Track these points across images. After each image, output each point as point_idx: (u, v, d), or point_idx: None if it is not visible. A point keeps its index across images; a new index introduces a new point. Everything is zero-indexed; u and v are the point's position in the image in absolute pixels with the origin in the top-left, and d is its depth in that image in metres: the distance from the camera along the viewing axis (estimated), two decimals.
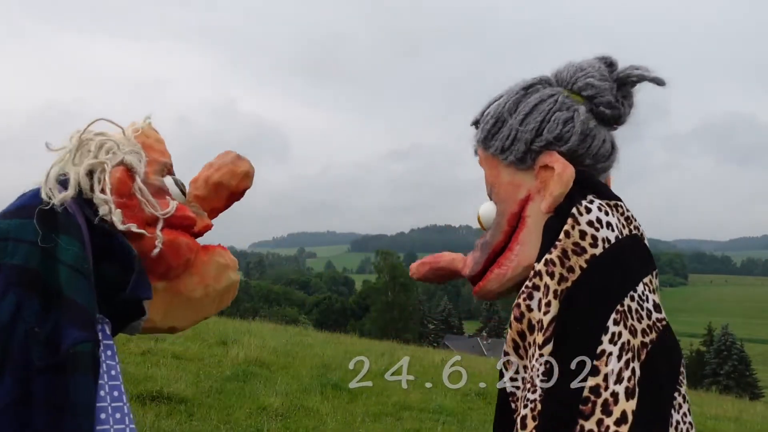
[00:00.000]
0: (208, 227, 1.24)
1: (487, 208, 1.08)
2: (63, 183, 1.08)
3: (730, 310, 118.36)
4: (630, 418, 0.84)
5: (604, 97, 1.03)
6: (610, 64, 1.06)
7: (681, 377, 0.94)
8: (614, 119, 1.06)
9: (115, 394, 1.06)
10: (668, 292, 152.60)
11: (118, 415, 1.06)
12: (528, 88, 1.07)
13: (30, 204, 1.04)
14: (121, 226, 1.06)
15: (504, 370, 1.00)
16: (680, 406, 0.92)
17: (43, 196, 1.04)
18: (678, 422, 0.90)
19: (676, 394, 0.91)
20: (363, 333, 33.68)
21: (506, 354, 0.99)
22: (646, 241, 1.01)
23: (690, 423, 0.92)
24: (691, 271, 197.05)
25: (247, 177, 1.31)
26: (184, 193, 1.23)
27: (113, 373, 1.07)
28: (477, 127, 1.12)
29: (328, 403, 6.06)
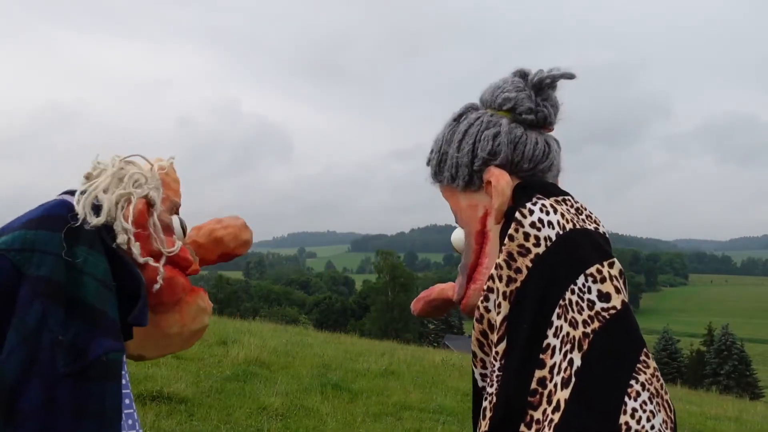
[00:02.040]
0: (196, 272, 1.31)
1: (458, 234, 1.18)
2: (94, 207, 1.13)
3: (730, 310, 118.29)
4: (562, 405, 0.90)
5: (523, 105, 1.12)
6: (523, 75, 1.15)
7: (641, 365, 0.95)
8: (541, 122, 1.14)
9: (127, 401, 1.12)
10: (668, 292, 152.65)
11: (130, 422, 1.13)
12: (458, 118, 1.17)
13: (53, 215, 1.09)
14: (140, 259, 1.13)
15: (473, 366, 1.09)
16: (638, 394, 0.92)
17: (80, 214, 1.09)
18: (635, 410, 0.91)
19: (633, 382, 0.93)
20: (363, 333, 33.70)
21: (473, 353, 1.07)
22: (600, 229, 1.07)
23: (651, 411, 0.92)
24: (692, 271, 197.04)
25: (246, 245, 1.41)
26: (185, 233, 1.30)
27: (123, 381, 1.12)
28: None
29: (328, 403, 6.06)
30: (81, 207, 1.09)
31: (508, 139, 1.10)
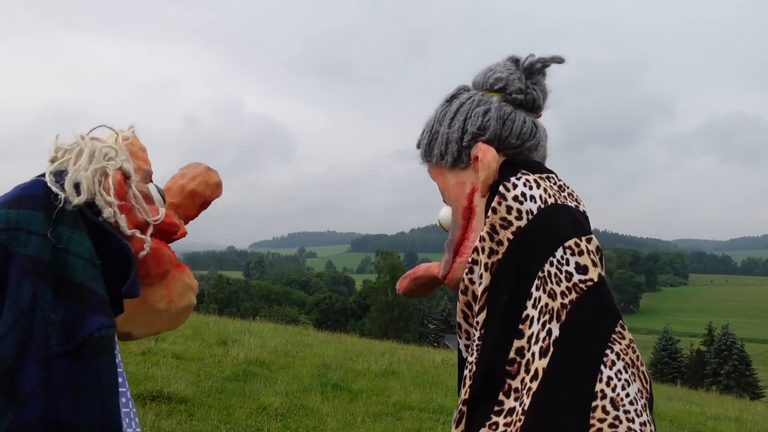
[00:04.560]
0: (184, 234, 1.30)
1: (445, 212, 1.20)
2: (74, 186, 1.12)
3: (730, 309, 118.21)
4: (540, 374, 0.93)
5: (514, 85, 1.16)
6: (515, 60, 1.19)
7: (616, 336, 0.97)
8: (530, 104, 1.17)
9: (120, 380, 1.12)
10: (668, 292, 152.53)
11: (123, 400, 1.13)
12: (450, 99, 1.20)
13: (32, 194, 1.07)
14: (128, 232, 1.12)
15: (458, 338, 1.10)
16: (614, 363, 0.94)
17: (61, 194, 1.07)
18: (610, 378, 0.93)
19: (608, 351, 0.95)
20: (363, 333, 33.70)
21: (458, 324, 1.09)
22: (581, 207, 1.10)
23: (626, 380, 0.95)
24: (692, 271, 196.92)
25: (219, 187, 1.39)
26: (164, 199, 1.28)
27: (117, 360, 1.12)
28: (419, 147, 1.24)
29: (328, 403, 6.06)
30: (67, 187, 1.08)
31: (497, 115, 1.13)
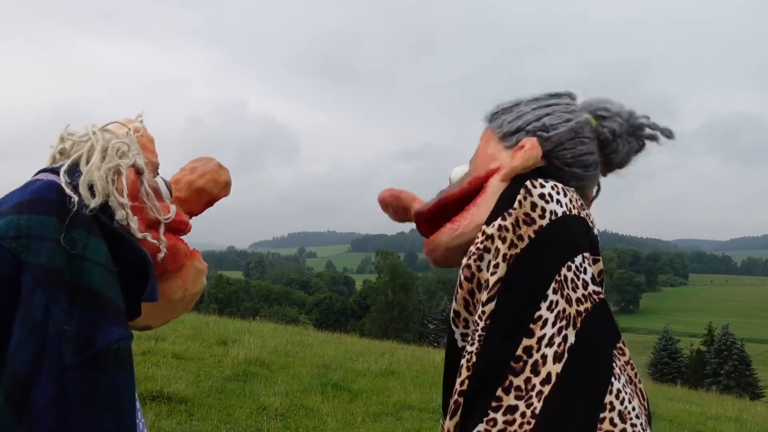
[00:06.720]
0: (189, 230, 1.27)
1: (460, 170, 1.19)
2: (89, 188, 1.08)
3: (730, 309, 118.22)
4: (554, 379, 0.92)
5: (613, 123, 1.14)
6: (631, 112, 1.17)
7: (618, 352, 0.99)
8: (610, 148, 1.16)
9: None
10: (668, 291, 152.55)
11: None
12: (551, 95, 1.19)
13: (44, 197, 1.02)
14: (139, 234, 1.09)
15: (454, 326, 1.09)
16: (618, 377, 0.96)
17: (74, 197, 1.03)
18: (619, 390, 0.94)
19: (613, 365, 0.96)
20: (363, 333, 33.68)
21: (456, 312, 1.07)
22: (595, 230, 1.09)
23: (630, 394, 0.96)
24: (692, 271, 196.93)
25: (227, 186, 1.37)
26: (171, 193, 1.26)
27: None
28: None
29: (328, 403, 6.06)
30: (81, 190, 1.04)
31: (575, 127, 1.12)
